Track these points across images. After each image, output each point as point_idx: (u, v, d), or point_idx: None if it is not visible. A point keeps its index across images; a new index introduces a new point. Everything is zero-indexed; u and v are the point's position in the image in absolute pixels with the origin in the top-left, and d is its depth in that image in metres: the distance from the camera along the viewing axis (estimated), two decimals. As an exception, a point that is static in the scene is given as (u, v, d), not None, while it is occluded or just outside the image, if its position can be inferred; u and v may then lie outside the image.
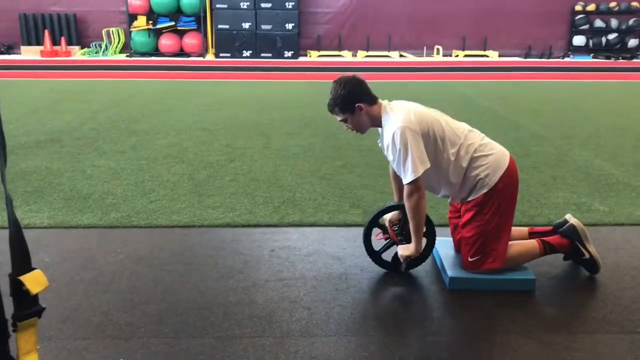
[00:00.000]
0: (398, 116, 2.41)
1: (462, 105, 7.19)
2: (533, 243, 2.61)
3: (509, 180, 2.47)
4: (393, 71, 11.14)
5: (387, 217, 2.69)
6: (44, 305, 1.15)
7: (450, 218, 2.77)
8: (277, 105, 7.02)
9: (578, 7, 13.79)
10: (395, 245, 2.66)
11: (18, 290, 1.08)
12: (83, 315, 2.27)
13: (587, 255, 2.63)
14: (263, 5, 12.83)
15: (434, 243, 2.67)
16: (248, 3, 12.81)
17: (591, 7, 13.74)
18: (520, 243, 2.61)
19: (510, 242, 2.57)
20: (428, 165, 2.38)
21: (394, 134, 2.37)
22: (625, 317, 2.31)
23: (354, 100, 2.46)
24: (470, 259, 2.51)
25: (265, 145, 4.96)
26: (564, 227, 2.66)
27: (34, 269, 1.10)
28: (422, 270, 2.69)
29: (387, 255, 2.69)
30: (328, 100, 2.50)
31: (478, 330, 2.23)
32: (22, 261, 1.09)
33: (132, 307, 2.34)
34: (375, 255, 2.68)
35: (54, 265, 2.68)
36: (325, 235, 3.09)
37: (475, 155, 2.45)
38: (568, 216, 2.70)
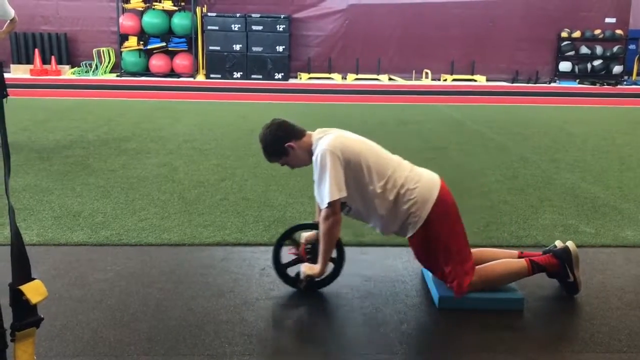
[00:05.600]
0: (324, 141, 2.47)
1: (450, 128, 7.27)
2: (522, 262, 2.63)
3: (442, 208, 2.50)
4: (382, 94, 11.25)
5: (305, 234, 2.72)
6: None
7: None
8: (267, 126, 7.05)
9: (564, 34, 14.06)
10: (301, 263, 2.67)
11: (18, 299, 1.09)
12: (72, 332, 2.26)
13: (571, 279, 2.65)
14: (254, 27, 12.95)
15: (341, 270, 2.68)
16: (239, 25, 12.93)
17: (577, 34, 14.01)
18: (508, 261, 2.63)
19: (499, 260, 2.61)
20: (344, 193, 2.42)
21: (316, 157, 2.45)
22: (612, 337, 2.33)
23: (282, 142, 2.54)
24: (449, 286, 2.54)
25: (255, 165, 4.98)
26: (558, 248, 2.68)
27: (34, 279, 1.11)
28: (412, 290, 2.71)
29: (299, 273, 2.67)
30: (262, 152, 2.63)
31: (467, 349, 2.24)
32: (22, 271, 1.10)
33: (122, 324, 2.33)
34: (280, 269, 2.69)
35: (43, 282, 2.66)
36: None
37: (402, 190, 2.47)
38: (558, 242, 2.73)
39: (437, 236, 2.49)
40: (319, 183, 2.45)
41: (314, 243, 2.65)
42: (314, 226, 2.69)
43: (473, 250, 2.74)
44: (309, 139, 2.56)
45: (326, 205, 2.42)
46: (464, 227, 2.58)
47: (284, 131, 2.56)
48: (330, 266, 2.64)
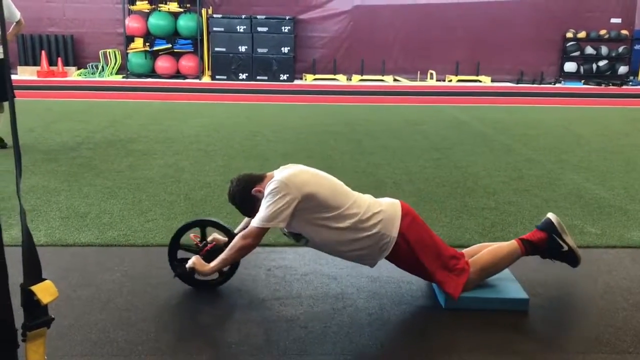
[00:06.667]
0: (283, 173, 2.50)
1: (455, 128, 7.27)
2: (513, 243, 2.67)
3: (410, 221, 2.53)
4: (387, 95, 11.25)
5: (217, 234, 2.75)
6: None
7: None
8: (273, 128, 7.08)
9: (569, 34, 14.02)
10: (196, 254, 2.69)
11: (29, 300, 1.10)
12: (80, 332, 2.28)
13: (565, 247, 2.68)
14: (259, 29, 12.98)
15: (223, 283, 2.70)
16: (245, 27, 12.96)
17: (582, 34, 13.98)
18: (499, 246, 2.67)
19: (490, 247, 2.65)
20: (281, 224, 2.42)
21: (271, 182, 2.46)
22: (617, 338, 2.34)
23: (249, 192, 2.56)
24: (444, 293, 2.54)
25: (261, 166, 5.00)
26: (541, 221, 2.74)
27: (44, 279, 1.13)
28: (418, 290, 2.72)
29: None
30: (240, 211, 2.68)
31: (472, 350, 2.25)
32: (33, 272, 1.11)
33: (129, 324, 2.35)
34: (174, 245, 2.72)
35: (52, 283, 2.69)
36: (321, 255, 3.09)
37: (365, 216, 2.48)
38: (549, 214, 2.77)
39: (414, 247, 2.51)
40: (263, 203, 2.46)
41: (218, 249, 2.64)
42: (230, 233, 2.70)
43: (474, 246, 2.78)
44: (271, 177, 2.57)
45: (255, 226, 2.45)
46: (434, 234, 2.62)
47: (245, 182, 2.60)
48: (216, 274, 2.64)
